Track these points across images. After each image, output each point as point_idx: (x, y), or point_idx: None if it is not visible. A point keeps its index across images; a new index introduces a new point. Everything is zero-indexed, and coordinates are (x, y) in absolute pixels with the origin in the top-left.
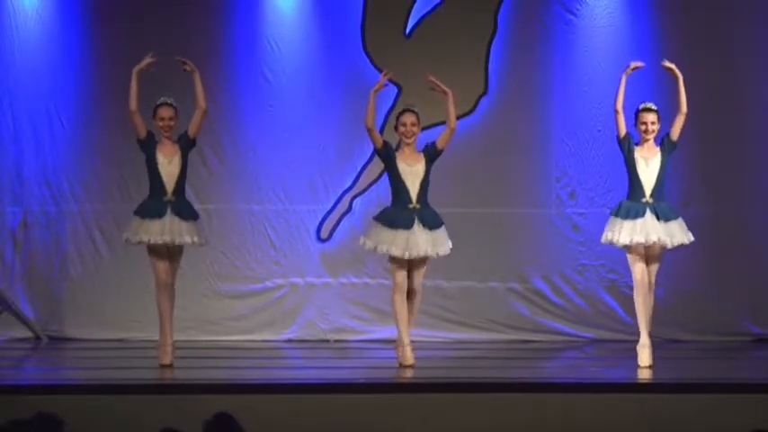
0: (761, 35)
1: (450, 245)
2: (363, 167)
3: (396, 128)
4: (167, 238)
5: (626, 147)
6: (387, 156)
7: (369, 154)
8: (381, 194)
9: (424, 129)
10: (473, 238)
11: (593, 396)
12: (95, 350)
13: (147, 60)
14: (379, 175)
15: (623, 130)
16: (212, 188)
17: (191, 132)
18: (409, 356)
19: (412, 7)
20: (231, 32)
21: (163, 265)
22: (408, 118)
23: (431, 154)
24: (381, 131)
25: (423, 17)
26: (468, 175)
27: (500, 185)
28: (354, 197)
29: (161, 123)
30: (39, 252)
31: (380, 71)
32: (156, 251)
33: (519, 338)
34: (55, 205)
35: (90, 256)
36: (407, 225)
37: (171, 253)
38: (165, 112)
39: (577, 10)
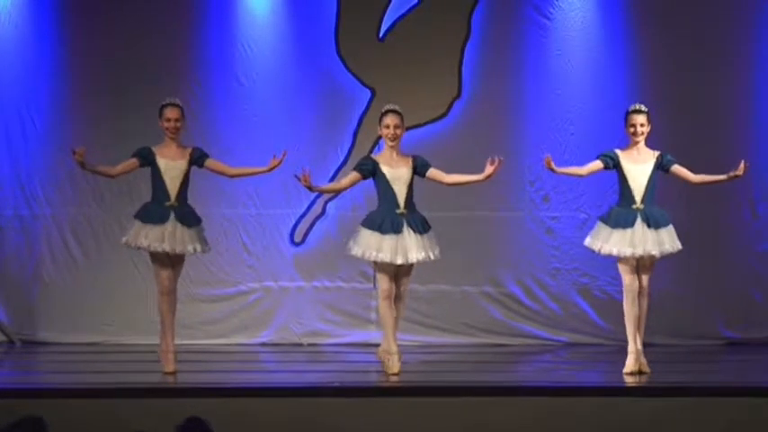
0: (738, 35)
1: (438, 249)
2: (337, 171)
3: (378, 129)
4: (167, 247)
5: (611, 165)
6: (372, 172)
7: (342, 157)
8: (355, 198)
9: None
10: (446, 242)
11: (567, 399)
12: (69, 354)
13: (78, 155)
14: None
15: (599, 165)
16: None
17: (209, 163)
18: (396, 365)
19: (386, 10)
20: (204, 35)
21: (166, 273)
22: (392, 120)
23: (418, 168)
24: (355, 136)
25: (396, 20)
26: None
27: (473, 188)
28: (328, 201)
29: (167, 125)
30: (12, 256)
31: (354, 75)
32: (158, 258)
33: (493, 342)
34: (28, 209)
35: (63, 259)
36: (397, 230)
37: (173, 259)
38: (172, 113)
39: (551, 13)
